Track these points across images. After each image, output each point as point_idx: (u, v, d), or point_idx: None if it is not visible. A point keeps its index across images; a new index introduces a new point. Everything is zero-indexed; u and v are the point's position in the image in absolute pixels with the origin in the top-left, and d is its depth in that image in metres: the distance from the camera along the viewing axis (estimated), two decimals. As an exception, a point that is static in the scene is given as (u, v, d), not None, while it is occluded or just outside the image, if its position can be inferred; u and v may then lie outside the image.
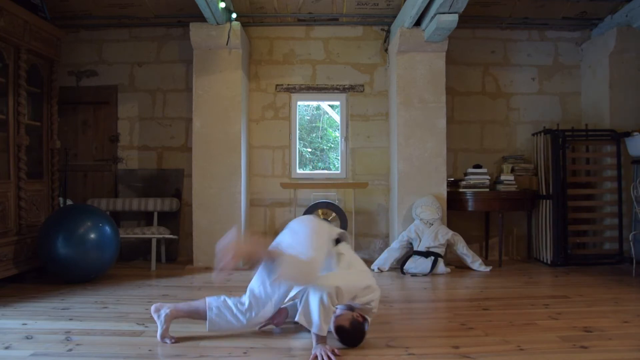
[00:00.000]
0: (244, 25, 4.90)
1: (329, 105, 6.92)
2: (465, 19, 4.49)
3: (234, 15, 4.53)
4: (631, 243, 4.28)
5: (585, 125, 4.89)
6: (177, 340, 2.42)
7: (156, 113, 5.14)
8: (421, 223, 4.40)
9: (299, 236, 2.39)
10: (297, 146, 5.23)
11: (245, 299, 2.41)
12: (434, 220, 4.41)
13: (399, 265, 4.36)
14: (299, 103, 5.24)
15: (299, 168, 5.27)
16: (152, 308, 2.46)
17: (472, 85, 5.18)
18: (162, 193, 5.03)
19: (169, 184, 5.09)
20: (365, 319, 2.38)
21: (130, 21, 5.02)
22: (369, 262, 4.18)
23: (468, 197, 4.67)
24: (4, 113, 3.71)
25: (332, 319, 2.32)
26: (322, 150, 7.43)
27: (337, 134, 5.73)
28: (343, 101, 5.19)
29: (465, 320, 2.82)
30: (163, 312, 2.42)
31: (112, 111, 5.13)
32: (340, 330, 2.31)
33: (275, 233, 5.08)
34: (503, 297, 3.43)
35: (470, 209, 4.68)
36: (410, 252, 4.39)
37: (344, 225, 4.65)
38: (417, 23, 4.41)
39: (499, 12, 4.90)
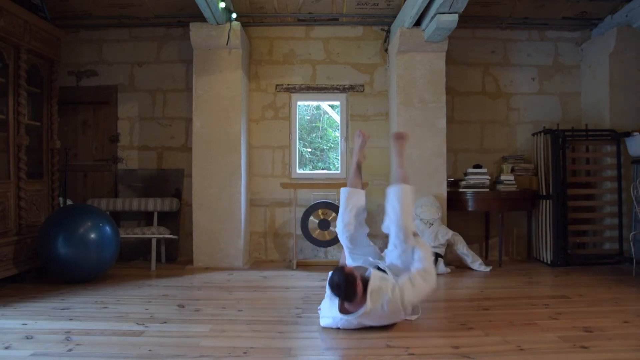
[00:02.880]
0: (244, 25, 4.90)
1: (329, 105, 6.91)
2: (465, 19, 4.49)
3: (234, 15, 4.53)
4: (631, 243, 4.28)
5: (585, 125, 4.89)
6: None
7: (156, 113, 5.14)
8: (421, 223, 4.40)
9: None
10: (297, 146, 5.23)
11: None
12: (434, 220, 4.40)
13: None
14: (299, 103, 5.24)
15: (299, 168, 5.27)
16: None
17: (472, 85, 5.18)
18: (162, 193, 5.03)
19: (169, 184, 5.09)
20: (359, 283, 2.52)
21: (130, 21, 5.02)
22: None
23: (468, 197, 4.67)
24: (4, 113, 3.71)
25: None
26: (322, 150, 7.42)
27: (337, 134, 5.73)
28: (343, 101, 5.19)
29: (465, 320, 2.82)
30: None
31: (112, 111, 5.13)
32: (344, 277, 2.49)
33: (275, 233, 5.13)
34: (503, 297, 3.43)
35: (470, 209, 4.68)
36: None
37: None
38: (417, 23, 4.41)
39: (499, 12, 4.90)
